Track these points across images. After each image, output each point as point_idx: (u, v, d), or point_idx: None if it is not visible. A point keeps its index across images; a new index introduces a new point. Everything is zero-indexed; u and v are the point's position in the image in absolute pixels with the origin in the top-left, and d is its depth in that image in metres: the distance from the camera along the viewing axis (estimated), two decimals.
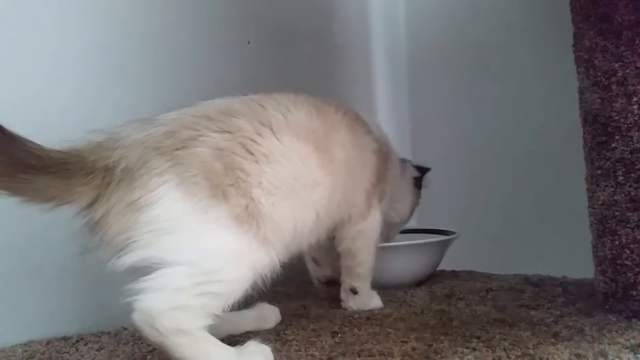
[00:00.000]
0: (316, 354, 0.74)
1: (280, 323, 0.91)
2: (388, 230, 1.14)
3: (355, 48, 1.72)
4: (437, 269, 1.31)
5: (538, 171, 1.38)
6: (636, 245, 0.79)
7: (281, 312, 0.95)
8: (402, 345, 0.75)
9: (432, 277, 1.20)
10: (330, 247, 0.99)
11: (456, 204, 1.58)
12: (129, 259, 0.65)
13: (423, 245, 1.12)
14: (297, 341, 0.80)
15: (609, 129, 0.82)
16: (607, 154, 0.82)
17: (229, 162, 0.72)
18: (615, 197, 0.81)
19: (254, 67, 1.33)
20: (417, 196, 1.19)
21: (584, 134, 0.87)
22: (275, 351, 0.74)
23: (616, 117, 0.81)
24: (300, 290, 1.13)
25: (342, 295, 0.99)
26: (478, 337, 0.76)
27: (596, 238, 0.85)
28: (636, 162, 0.78)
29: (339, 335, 0.82)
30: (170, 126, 0.72)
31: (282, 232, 0.77)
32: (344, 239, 0.97)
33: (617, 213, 0.81)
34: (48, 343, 0.88)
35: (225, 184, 0.71)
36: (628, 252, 0.80)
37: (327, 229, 0.92)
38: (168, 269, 0.66)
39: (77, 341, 0.89)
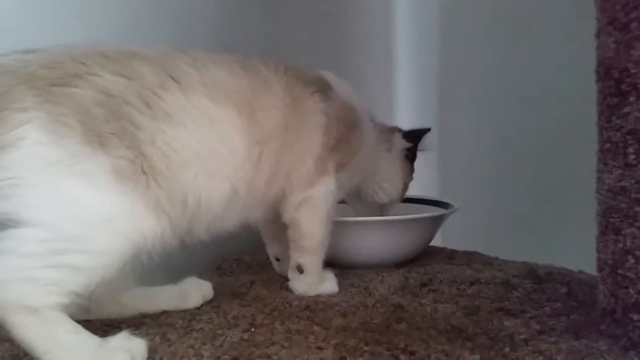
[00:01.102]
0: (204, 354, 0.61)
1: (205, 304, 0.79)
2: (380, 210, 1.02)
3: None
4: (442, 244, 1.14)
5: (571, 147, 1.13)
6: None
7: (221, 289, 0.84)
8: (311, 354, 0.60)
9: (421, 257, 1.02)
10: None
11: (482, 179, 1.38)
12: None
13: (403, 222, 0.94)
14: (198, 333, 0.67)
15: (623, 86, 0.58)
16: (618, 121, 0.59)
17: (116, 111, 0.61)
18: (623, 183, 0.58)
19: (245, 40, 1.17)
20: (409, 171, 1.02)
21: (597, 93, 0.63)
22: (156, 346, 0.62)
23: (633, 70, 0.57)
24: (266, 262, 0.99)
25: (289, 274, 0.85)
26: (410, 353, 0.60)
27: (599, 234, 0.63)
28: None
29: (253, 330, 0.69)
30: (53, 56, 0.62)
31: (180, 202, 0.66)
32: (287, 208, 0.82)
33: (623, 205, 0.59)
34: None
35: (103, 131, 0.60)
36: (632, 260, 0.58)
37: (263, 204, 0.79)
38: (21, 229, 0.55)
39: None
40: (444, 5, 1.54)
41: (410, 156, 1.01)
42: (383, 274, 0.92)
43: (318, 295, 0.82)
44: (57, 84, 0.60)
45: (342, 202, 1.01)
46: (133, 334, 0.61)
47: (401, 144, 1.00)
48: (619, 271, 0.59)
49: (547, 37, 1.27)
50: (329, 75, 0.89)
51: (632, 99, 0.57)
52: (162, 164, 0.64)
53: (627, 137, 0.57)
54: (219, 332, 0.68)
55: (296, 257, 0.84)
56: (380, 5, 1.56)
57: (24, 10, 0.88)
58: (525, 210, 1.32)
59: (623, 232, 0.58)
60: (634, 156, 0.57)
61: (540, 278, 0.87)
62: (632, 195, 0.57)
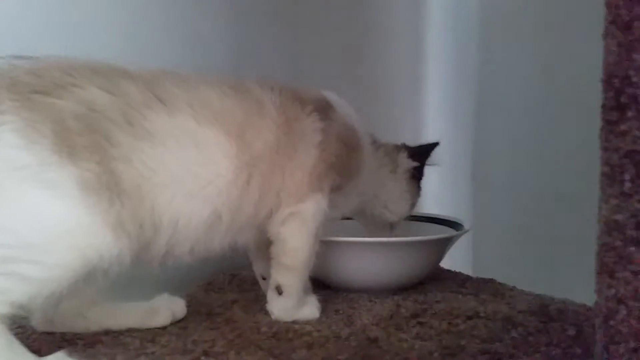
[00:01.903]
0: None
1: (173, 324, 0.75)
2: (390, 227, 0.95)
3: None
4: (471, 265, 1.05)
5: None
6: (637, 303, 0.46)
7: (198, 308, 0.81)
8: None
9: (427, 282, 0.92)
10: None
11: (519, 199, 1.25)
12: None
13: (401, 244, 0.85)
14: (147, 358, 0.64)
15: (622, 97, 0.47)
16: (616, 141, 0.48)
17: (93, 125, 0.62)
18: (618, 216, 0.48)
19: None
20: (416, 190, 0.95)
21: (600, 107, 0.53)
22: None
23: (635, 78, 0.46)
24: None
25: (268, 295, 0.79)
26: None
27: (596, 275, 0.52)
28: None
29: (203, 358, 0.63)
30: (42, 64, 0.63)
31: (150, 224, 0.65)
32: (273, 222, 0.77)
33: (618, 242, 0.48)
34: None
35: (75, 143, 0.60)
36: (624, 311, 0.47)
37: (252, 227, 0.76)
38: None
39: None
40: (483, 11, 1.42)
41: (417, 175, 0.94)
42: (376, 300, 0.84)
43: (294, 321, 0.75)
44: (39, 91, 0.60)
45: (348, 218, 0.95)
46: (84, 351, 0.60)
47: (407, 163, 0.94)
48: (611, 322, 0.48)
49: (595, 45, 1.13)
50: (330, 96, 0.86)
51: (630, 113, 0.46)
52: (132, 183, 0.63)
53: (624, 160, 0.47)
54: (168, 358, 0.63)
55: (276, 277, 0.78)
56: (411, 11, 1.47)
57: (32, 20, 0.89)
58: (563, 234, 1.18)
59: (617, 275, 0.48)
60: (630, 184, 0.46)
61: (549, 315, 0.76)
62: (627, 232, 0.47)
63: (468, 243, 1.25)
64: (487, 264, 1.11)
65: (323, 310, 0.79)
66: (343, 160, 0.81)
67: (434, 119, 1.40)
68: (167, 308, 0.76)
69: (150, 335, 0.71)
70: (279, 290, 0.77)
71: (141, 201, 0.64)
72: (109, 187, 0.61)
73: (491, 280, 0.94)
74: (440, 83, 1.42)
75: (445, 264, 0.99)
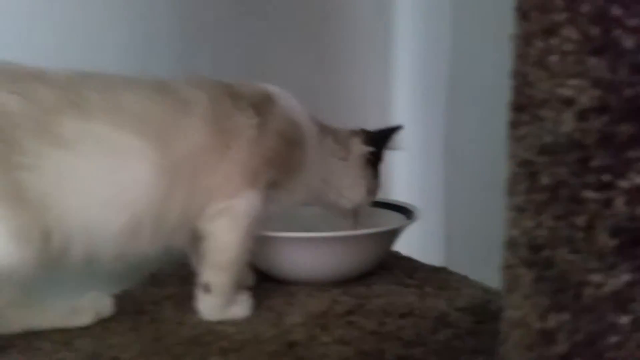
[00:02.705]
0: None
1: (94, 325, 0.72)
2: (352, 213, 0.91)
3: None
4: (431, 253, 1.01)
5: None
6: (528, 330, 0.41)
7: (128, 305, 0.78)
8: None
9: (378, 271, 0.89)
10: None
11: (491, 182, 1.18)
12: None
13: (340, 239, 0.81)
14: None
15: (521, 98, 0.42)
16: (515, 146, 0.43)
17: None
18: (513, 231, 0.43)
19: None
20: (373, 176, 0.90)
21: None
22: None
23: (531, 77, 0.41)
24: None
25: (196, 292, 0.76)
26: None
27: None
28: (542, 171, 0.38)
29: None
30: None
31: (60, 232, 0.64)
32: (203, 219, 0.74)
33: (513, 261, 0.43)
34: None
35: None
36: (517, 336, 0.43)
37: (185, 229, 0.74)
38: None
39: None
40: None
41: (373, 160, 0.90)
42: (315, 294, 0.81)
43: (221, 321, 0.73)
44: None
45: None
46: None
47: (360, 149, 0.89)
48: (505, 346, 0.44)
49: None
50: (272, 90, 0.82)
51: (525, 117, 0.41)
52: (39, 192, 0.62)
53: (519, 169, 0.42)
54: None
55: (205, 274, 0.75)
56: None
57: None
58: None
59: (512, 295, 0.43)
60: (523, 197, 0.41)
61: (487, 314, 0.72)
62: (520, 251, 0.42)
63: (440, 226, 1.21)
64: (459, 247, 1.07)
65: (255, 308, 0.76)
66: (282, 156, 0.78)
67: (404, 102, 1.33)
68: (90, 307, 0.74)
69: (69, 337, 0.69)
70: (207, 289, 0.74)
71: (48, 210, 0.62)
72: (11, 196, 0.60)
73: (442, 269, 0.90)
74: (410, 65, 1.34)
75: (417, 247, 0.96)
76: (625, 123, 0.33)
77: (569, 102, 0.36)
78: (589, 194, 0.34)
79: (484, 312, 0.72)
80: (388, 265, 0.92)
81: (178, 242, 0.75)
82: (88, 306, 0.74)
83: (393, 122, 0.95)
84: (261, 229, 0.77)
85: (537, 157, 0.39)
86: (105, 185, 0.66)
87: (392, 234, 0.86)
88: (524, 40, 0.41)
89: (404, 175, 1.19)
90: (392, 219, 0.92)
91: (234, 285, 0.75)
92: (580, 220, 0.35)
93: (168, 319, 0.74)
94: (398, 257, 0.97)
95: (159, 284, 0.89)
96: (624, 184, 0.33)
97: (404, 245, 0.94)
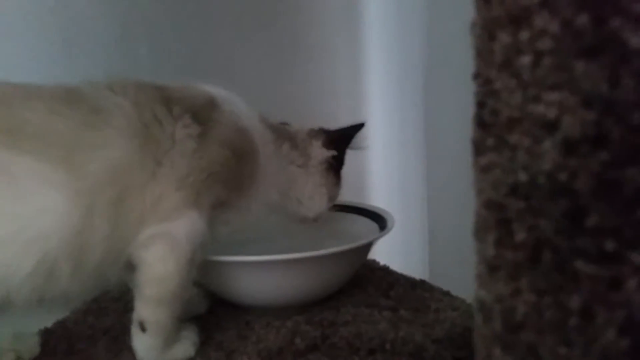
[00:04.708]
0: None
1: None
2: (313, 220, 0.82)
3: None
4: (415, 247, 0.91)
5: None
6: None
7: (62, 341, 0.69)
8: None
9: (348, 288, 0.78)
10: None
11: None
12: None
13: (294, 261, 0.70)
14: None
15: (485, 111, 0.30)
16: (480, 178, 0.31)
17: None
18: (483, 292, 0.31)
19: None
20: (334, 182, 0.81)
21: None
22: None
23: (497, 83, 0.29)
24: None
25: (132, 330, 0.65)
26: None
27: None
28: (516, 221, 0.27)
29: None
30: None
31: None
32: (135, 246, 0.62)
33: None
34: None
35: None
36: None
37: (116, 262, 0.62)
38: None
39: None
40: None
41: (335, 165, 0.80)
42: (275, 324, 0.70)
43: None
44: None
45: None
46: None
47: (320, 154, 0.79)
48: None
49: None
50: (216, 92, 0.71)
51: (490, 141, 0.29)
52: None
53: (486, 211, 0.30)
54: None
55: (140, 310, 0.64)
56: None
57: None
58: None
59: None
60: (494, 251, 0.30)
61: (469, 347, 0.61)
62: (494, 327, 0.30)
63: (422, 227, 1.10)
64: (443, 247, 0.96)
65: (202, 344, 0.66)
66: (229, 170, 0.67)
67: (378, 92, 1.20)
68: (10, 349, 0.65)
69: None
70: (142, 327, 0.64)
71: None
72: None
73: (421, 284, 0.80)
74: (383, 53, 1.21)
75: (401, 236, 0.85)
76: (635, 164, 0.21)
77: (549, 126, 0.24)
78: (585, 267, 0.23)
79: (465, 344, 0.61)
80: (361, 280, 0.81)
81: (110, 276, 0.64)
82: (7, 348, 0.65)
83: (366, 115, 0.83)
84: (207, 254, 0.66)
85: (508, 200, 0.28)
86: (4, 220, 0.55)
87: (361, 251, 0.75)
88: (485, 32, 0.29)
89: (380, 173, 1.07)
90: (364, 229, 0.81)
91: (175, 322, 0.64)
92: (574, 302, 0.24)
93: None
94: (373, 267, 0.87)
95: (97, 312, 0.79)
96: (637, 258, 0.21)
97: (383, 247, 0.83)
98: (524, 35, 0.25)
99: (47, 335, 0.71)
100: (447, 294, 0.76)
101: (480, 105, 0.30)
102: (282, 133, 0.77)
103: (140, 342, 0.64)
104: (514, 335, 0.28)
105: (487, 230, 0.30)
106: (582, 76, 0.22)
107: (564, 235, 0.24)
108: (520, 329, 0.28)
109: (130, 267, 0.65)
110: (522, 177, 0.26)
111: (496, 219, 0.29)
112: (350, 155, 0.82)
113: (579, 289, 0.24)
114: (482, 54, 0.29)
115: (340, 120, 0.81)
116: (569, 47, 0.23)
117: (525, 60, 0.25)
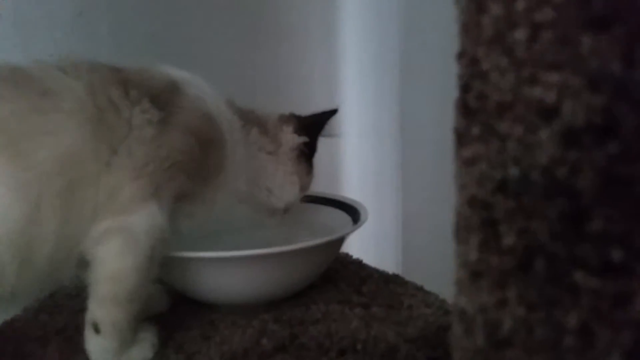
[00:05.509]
0: None
1: None
2: (283, 213, 0.79)
3: None
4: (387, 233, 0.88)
5: None
6: None
7: (9, 343, 0.64)
8: None
9: (320, 284, 0.75)
10: None
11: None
12: None
13: (261, 257, 0.65)
14: None
15: (470, 95, 0.26)
16: (462, 172, 0.27)
17: None
18: (464, 299, 0.28)
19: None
20: (306, 170, 0.78)
21: None
22: None
23: (484, 64, 0.25)
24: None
25: (85, 332, 0.60)
26: None
27: None
28: (504, 222, 0.23)
29: None
30: None
31: None
32: (88, 242, 0.58)
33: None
34: None
35: None
36: None
37: (69, 260, 0.58)
38: None
39: None
40: None
41: (306, 152, 0.77)
42: (241, 323, 0.66)
43: None
44: None
45: None
46: None
47: (291, 140, 0.76)
48: None
49: None
50: (180, 75, 0.67)
51: (475, 130, 0.25)
52: None
53: (467, 210, 0.26)
54: None
55: (93, 310, 0.59)
56: None
57: None
58: None
59: None
60: (477, 254, 0.26)
61: (443, 343, 0.57)
62: (477, 341, 0.27)
63: (396, 217, 1.07)
64: (417, 239, 0.93)
65: (162, 346, 0.61)
66: (193, 159, 0.63)
67: (353, 77, 1.15)
68: None
69: None
70: (96, 328, 0.59)
71: None
72: None
73: (394, 278, 0.77)
74: (359, 37, 1.16)
75: (375, 228, 0.82)
76: None
77: (547, 112, 0.21)
78: (585, 279, 0.19)
79: (438, 343, 0.59)
80: (333, 275, 0.78)
81: (63, 274, 0.60)
82: None
83: (340, 100, 0.79)
84: (168, 250, 0.62)
85: (494, 198, 0.24)
86: None
87: (333, 245, 0.71)
88: (473, 2, 0.25)
89: (353, 162, 1.04)
90: (336, 221, 0.78)
91: (132, 322, 0.60)
92: (571, 319, 0.20)
93: None
94: (346, 262, 0.83)
95: (51, 310, 0.73)
96: None
97: (356, 239, 0.80)
98: (520, 4, 0.21)
99: None
100: (420, 288, 0.73)
101: (465, 88, 0.26)
102: (250, 118, 0.73)
103: (94, 344, 0.59)
104: (498, 352, 0.25)
105: (470, 232, 0.26)
106: (589, 53, 0.19)
107: (561, 241, 0.20)
108: (506, 345, 0.24)
109: (85, 264, 0.61)
110: (513, 172, 0.22)
111: (481, 219, 0.25)
112: (322, 142, 0.78)
113: (577, 304, 0.20)
114: (469, 29, 0.25)
115: (313, 106, 0.78)
116: (574, 17, 0.19)
117: (520, 34, 0.21)
